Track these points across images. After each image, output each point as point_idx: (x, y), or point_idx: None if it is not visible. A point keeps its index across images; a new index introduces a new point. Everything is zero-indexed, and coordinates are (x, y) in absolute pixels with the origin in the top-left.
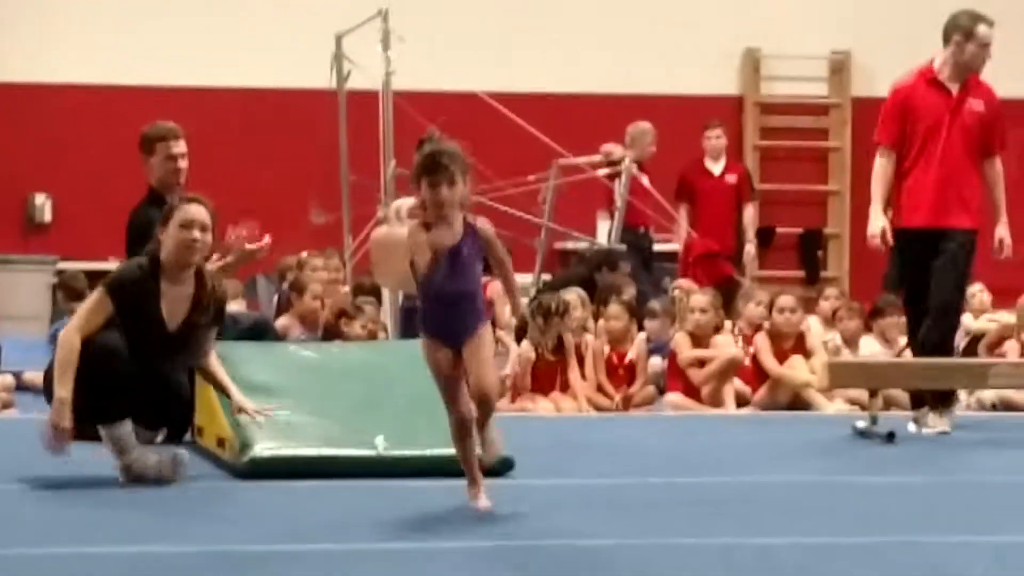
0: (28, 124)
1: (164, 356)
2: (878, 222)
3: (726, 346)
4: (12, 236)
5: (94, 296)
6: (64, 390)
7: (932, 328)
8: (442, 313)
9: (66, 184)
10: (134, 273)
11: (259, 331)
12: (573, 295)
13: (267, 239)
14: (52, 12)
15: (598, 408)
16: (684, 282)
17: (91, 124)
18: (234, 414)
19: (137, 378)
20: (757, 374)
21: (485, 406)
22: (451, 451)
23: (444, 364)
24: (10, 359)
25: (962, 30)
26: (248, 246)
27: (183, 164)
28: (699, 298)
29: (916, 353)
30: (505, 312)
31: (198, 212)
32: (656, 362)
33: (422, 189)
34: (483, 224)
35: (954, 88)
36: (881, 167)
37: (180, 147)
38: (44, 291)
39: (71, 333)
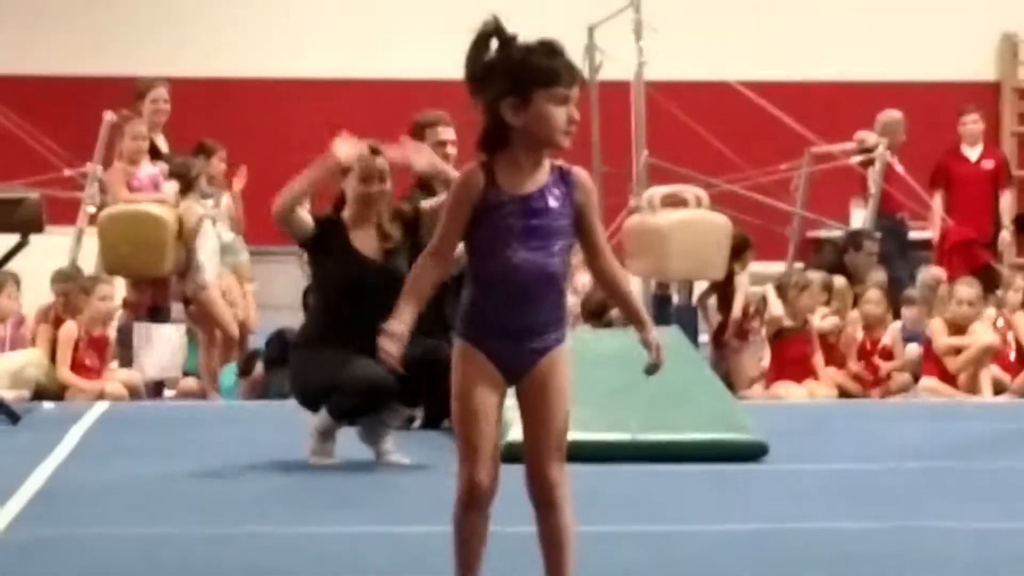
0: (286, 119)
1: (380, 297)
2: None
3: (982, 333)
4: (270, 229)
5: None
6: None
7: None
8: (505, 306)
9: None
10: (318, 227)
11: None
12: (817, 276)
13: None
14: (307, 10)
15: (849, 395)
16: (936, 271)
17: (347, 118)
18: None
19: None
20: (1016, 360)
21: (547, 506)
22: (706, 435)
23: (483, 393)
24: None
25: None
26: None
27: (451, 151)
28: (967, 291)
29: None
30: None
31: (379, 163)
32: (912, 348)
33: (533, 104)
34: (580, 170)
35: None
36: None
37: (448, 133)
38: (299, 282)
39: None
